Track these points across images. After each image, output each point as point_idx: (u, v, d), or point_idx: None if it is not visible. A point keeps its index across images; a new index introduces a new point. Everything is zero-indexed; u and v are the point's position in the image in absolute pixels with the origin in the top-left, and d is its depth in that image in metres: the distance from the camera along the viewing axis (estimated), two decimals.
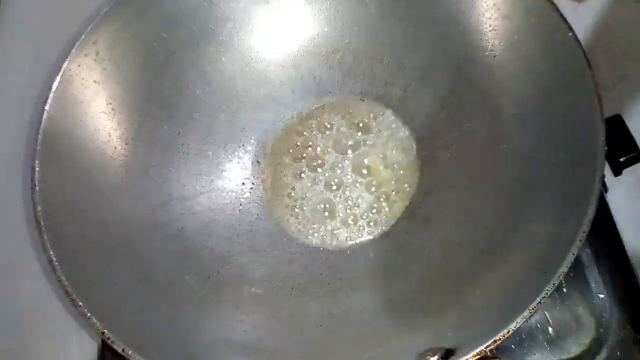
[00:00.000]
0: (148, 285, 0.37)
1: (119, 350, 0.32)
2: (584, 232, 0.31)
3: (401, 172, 0.44)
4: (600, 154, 0.32)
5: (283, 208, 0.44)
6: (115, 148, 0.40)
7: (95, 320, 0.32)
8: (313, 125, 0.46)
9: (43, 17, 0.54)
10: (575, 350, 0.39)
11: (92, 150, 0.39)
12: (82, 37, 0.39)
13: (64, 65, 0.38)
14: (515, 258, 0.35)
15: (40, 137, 0.36)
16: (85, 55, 0.39)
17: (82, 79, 0.39)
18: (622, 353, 0.39)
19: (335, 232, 0.43)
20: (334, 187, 0.44)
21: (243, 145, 0.45)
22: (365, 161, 0.44)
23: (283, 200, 0.44)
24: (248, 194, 0.44)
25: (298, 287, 0.40)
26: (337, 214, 0.43)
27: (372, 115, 0.46)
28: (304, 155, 0.45)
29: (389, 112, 0.45)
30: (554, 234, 0.34)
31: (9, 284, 0.44)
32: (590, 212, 0.32)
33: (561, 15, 0.37)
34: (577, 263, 0.41)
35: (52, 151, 0.37)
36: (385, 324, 0.37)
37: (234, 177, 0.45)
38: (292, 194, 0.44)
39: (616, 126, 0.42)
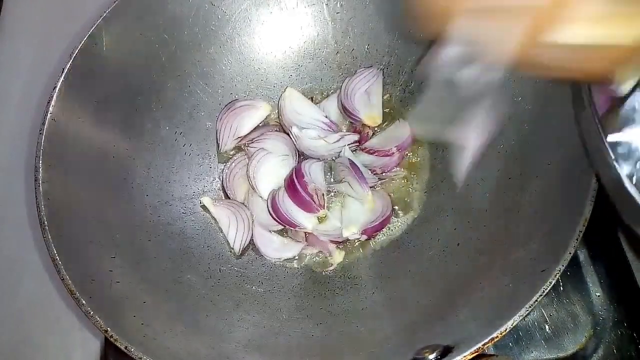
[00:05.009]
0: (150, 283, 0.37)
1: (122, 348, 0.32)
2: (580, 231, 0.32)
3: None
4: None
5: None
6: (118, 148, 0.41)
7: (98, 319, 0.32)
8: None
9: (45, 19, 0.54)
10: (572, 348, 0.39)
11: (94, 150, 0.39)
12: (85, 38, 0.39)
13: (67, 67, 0.38)
14: (513, 257, 0.35)
15: (43, 137, 0.37)
16: (88, 56, 0.39)
17: (85, 80, 0.39)
18: (618, 351, 0.39)
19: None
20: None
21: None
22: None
23: None
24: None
25: (298, 286, 0.41)
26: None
27: None
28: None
29: (388, 112, 0.46)
30: (551, 233, 0.34)
31: (13, 283, 0.45)
32: (587, 211, 0.32)
33: None
34: (574, 262, 0.41)
35: (55, 151, 0.37)
36: (385, 322, 0.37)
37: None
38: None
39: None
